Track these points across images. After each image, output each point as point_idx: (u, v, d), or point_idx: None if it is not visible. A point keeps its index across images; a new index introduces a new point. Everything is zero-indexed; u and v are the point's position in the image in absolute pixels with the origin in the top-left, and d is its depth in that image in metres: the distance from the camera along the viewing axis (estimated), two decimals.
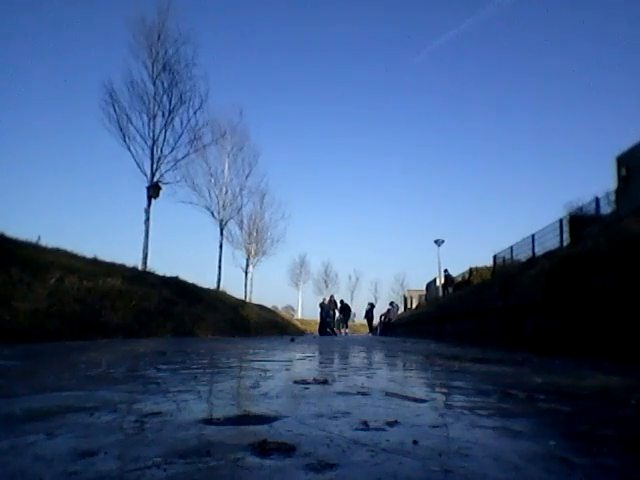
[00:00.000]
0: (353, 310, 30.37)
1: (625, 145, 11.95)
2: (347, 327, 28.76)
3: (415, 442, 1.38)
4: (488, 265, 22.18)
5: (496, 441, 1.47)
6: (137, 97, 18.28)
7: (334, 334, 24.31)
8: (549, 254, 11.29)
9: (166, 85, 18.84)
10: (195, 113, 19.57)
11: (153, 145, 18.24)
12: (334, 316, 26.21)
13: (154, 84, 18.61)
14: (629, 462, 1.30)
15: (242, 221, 31.03)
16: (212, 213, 26.35)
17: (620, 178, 11.89)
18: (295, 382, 2.83)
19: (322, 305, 25.29)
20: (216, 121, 23.96)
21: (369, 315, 31.66)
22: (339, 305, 27.13)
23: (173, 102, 18.93)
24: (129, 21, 18.79)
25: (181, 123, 19.24)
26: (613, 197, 12.58)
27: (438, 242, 32.40)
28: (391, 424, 1.64)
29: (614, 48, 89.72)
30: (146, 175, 17.97)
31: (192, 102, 19.47)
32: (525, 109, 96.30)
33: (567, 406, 2.16)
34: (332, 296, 27.22)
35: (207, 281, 32.22)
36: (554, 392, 2.64)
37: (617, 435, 1.59)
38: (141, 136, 18.18)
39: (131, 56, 18.47)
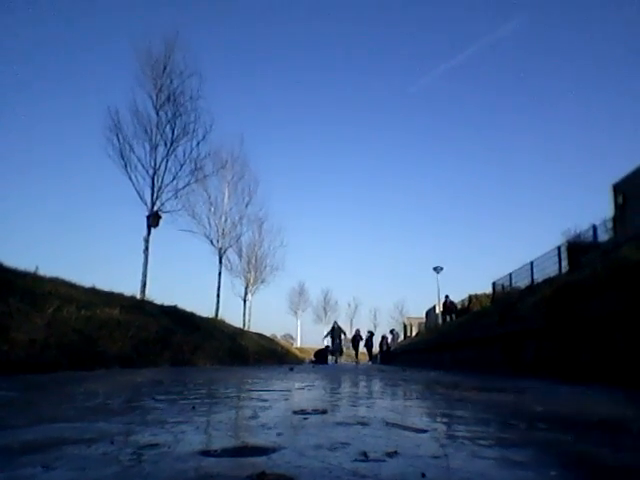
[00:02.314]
0: (349, 337, 29.90)
1: (621, 173, 12.10)
2: (341, 354, 28.38)
3: (415, 473, 1.37)
4: (487, 292, 22.14)
5: (497, 471, 1.45)
6: (140, 126, 18.51)
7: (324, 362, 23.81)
8: (548, 281, 11.29)
9: (170, 116, 19.09)
10: (198, 144, 19.81)
11: (154, 174, 18.38)
12: (340, 343, 25.89)
13: (157, 114, 18.86)
14: None
15: (241, 249, 31.16)
16: (211, 241, 26.47)
17: (617, 205, 11.98)
18: (294, 412, 2.81)
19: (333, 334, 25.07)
20: (217, 151, 24.22)
21: (368, 343, 31.39)
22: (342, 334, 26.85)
23: (176, 133, 19.15)
24: (136, 53, 19.17)
25: (183, 153, 19.45)
26: (610, 224, 12.65)
27: (437, 269, 32.42)
28: (391, 455, 1.63)
29: (614, 72, 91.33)
30: (146, 204, 18.07)
31: (195, 133, 19.73)
32: (524, 137, 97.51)
33: (568, 435, 2.14)
34: (335, 322, 26.90)
35: (205, 309, 32.03)
36: (555, 421, 2.61)
37: (619, 465, 1.58)
38: (142, 165, 18.35)
39: (137, 85, 18.79)
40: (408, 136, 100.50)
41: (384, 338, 32.58)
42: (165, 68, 19.13)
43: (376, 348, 33.00)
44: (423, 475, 1.35)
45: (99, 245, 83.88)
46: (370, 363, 30.01)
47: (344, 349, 27.32)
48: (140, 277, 17.33)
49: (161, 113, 18.90)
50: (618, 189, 11.98)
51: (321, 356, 24.31)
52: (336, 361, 25.57)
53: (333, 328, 25.77)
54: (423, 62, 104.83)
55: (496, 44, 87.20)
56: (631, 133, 74.29)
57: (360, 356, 29.73)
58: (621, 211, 11.81)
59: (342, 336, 25.96)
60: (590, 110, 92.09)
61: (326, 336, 25.80)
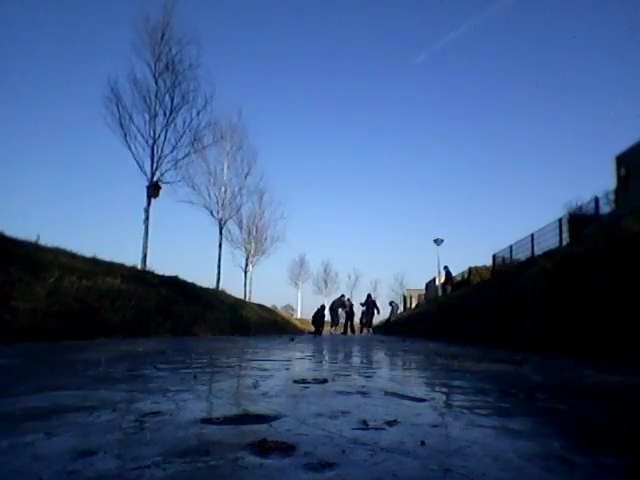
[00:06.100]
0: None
1: (624, 145, 11.96)
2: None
3: (415, 441, 1.38)
4: (487, 265, 22.16)
5: (495, 440, 1.46)
6: (139, 96, 18.22)
7: (318, 334, 23.63)
8: (548, 254, 11.29)
9: (168, 84, 18.78)
10: (198, 114, 19.55)
11: (154, 144, 18.20)
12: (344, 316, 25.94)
13: (156, 83, 18.55)
14: (629, 461, 1.30)
15: (241, 220, 31.14)
16: (211, 212, 26.39)
17: (619, 178, 11.89)
18: (295, 381, 2.83)
19: (336, 306, 25.11)
20: (217, 121, 23.90)
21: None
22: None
23: (175, 102, 18.88)
24: (133, 19, 18.73)
25: (183, 123, 19.21)
26: (612, 197, 12.56)
27: (437, 241, 32.45)
28: (390, 423, 1.64)
29: (617, 44, 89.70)
30: (146, 174, 17.95)
31: (195, 102, 19.45)
32: (525, 109, 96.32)
33: (566, 405, 2.16)
34: (342, 296, 26.87)
35: (206, 280, 32.21)
36: (553, 391, 2.64)
37: (617, 434, 1.59)
38: (142, 135, 18.16)
39: (134, 54, 18.42)
40: (409, 107, 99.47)
41: (364, 312, 32.24)
42: (163, 35, 18.75)
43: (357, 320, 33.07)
44: (422, 443, 1.36)
45: (100, 216, 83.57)
46: (371, 334, 30.27)
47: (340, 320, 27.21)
48: (141, 248, 17.37)
49: (160, 82, 18.60)
50: (621, 161, 11.86)
51: (317, 321, 23.59)
52: (348, 331, 25.42)
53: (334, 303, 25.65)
54: (428, 32, 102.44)
55: (502, 14, 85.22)
56: (637, 103, 73.23)
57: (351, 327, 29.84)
58: (624, 183, 11.72)
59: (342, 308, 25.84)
60: (596, 79, 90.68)
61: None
